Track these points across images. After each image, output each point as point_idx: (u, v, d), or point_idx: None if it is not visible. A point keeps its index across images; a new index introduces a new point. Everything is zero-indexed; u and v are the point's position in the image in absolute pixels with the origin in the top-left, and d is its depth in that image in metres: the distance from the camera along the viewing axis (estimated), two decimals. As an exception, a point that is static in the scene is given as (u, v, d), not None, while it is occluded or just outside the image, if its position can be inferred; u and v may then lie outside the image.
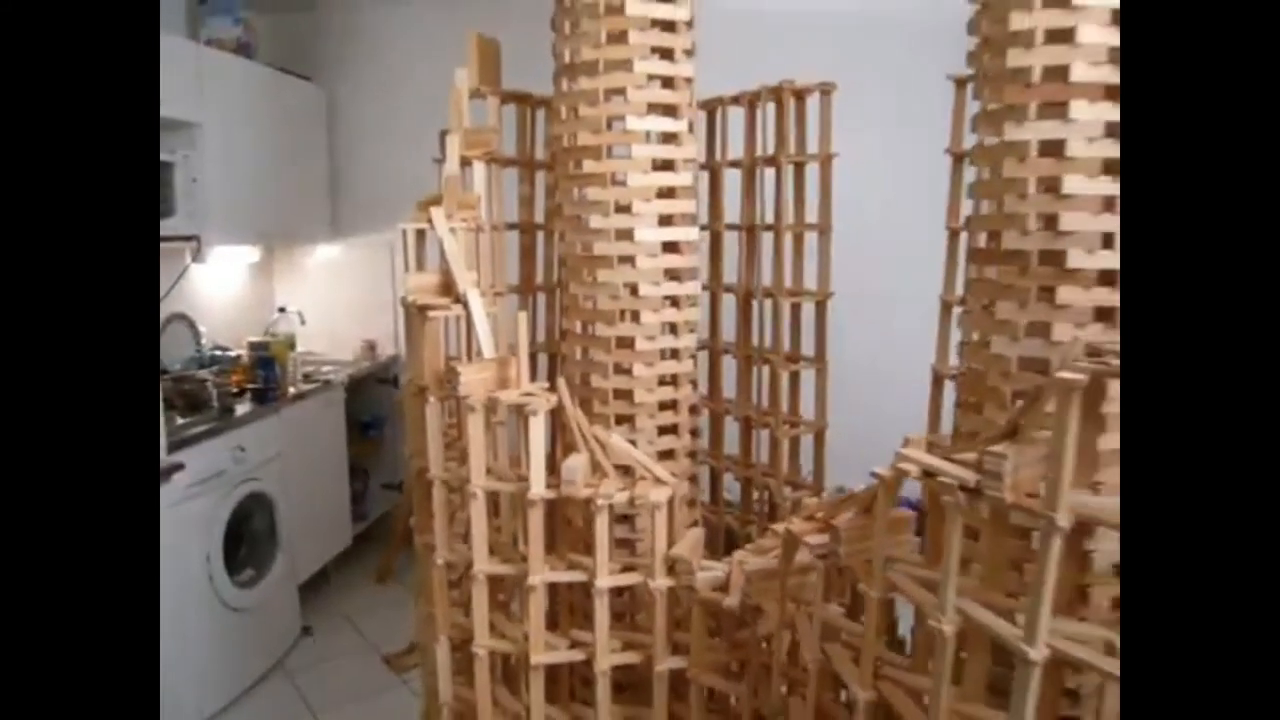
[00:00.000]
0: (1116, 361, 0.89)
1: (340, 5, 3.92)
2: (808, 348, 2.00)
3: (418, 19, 3.97)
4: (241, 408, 3.02)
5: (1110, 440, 1.04)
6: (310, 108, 3.94)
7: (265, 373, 3.19)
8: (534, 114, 2.02)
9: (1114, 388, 0.99)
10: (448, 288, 1.50)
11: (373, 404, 4.14)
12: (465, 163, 1.70)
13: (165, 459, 2.46)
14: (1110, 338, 1.16)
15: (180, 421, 2.73)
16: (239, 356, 3.41)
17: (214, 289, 3.73)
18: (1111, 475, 1.06)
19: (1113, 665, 0.89)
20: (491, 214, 1.79)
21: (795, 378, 2.00)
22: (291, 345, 3.43)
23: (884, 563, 1.06)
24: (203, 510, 2.71)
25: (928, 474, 0.96)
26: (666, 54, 1.63)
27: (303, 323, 3.77)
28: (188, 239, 3.18)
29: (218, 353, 3.41)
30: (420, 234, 1.59)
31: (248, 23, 3.45)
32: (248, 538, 3.03)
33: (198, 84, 3.08)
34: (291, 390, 3.31)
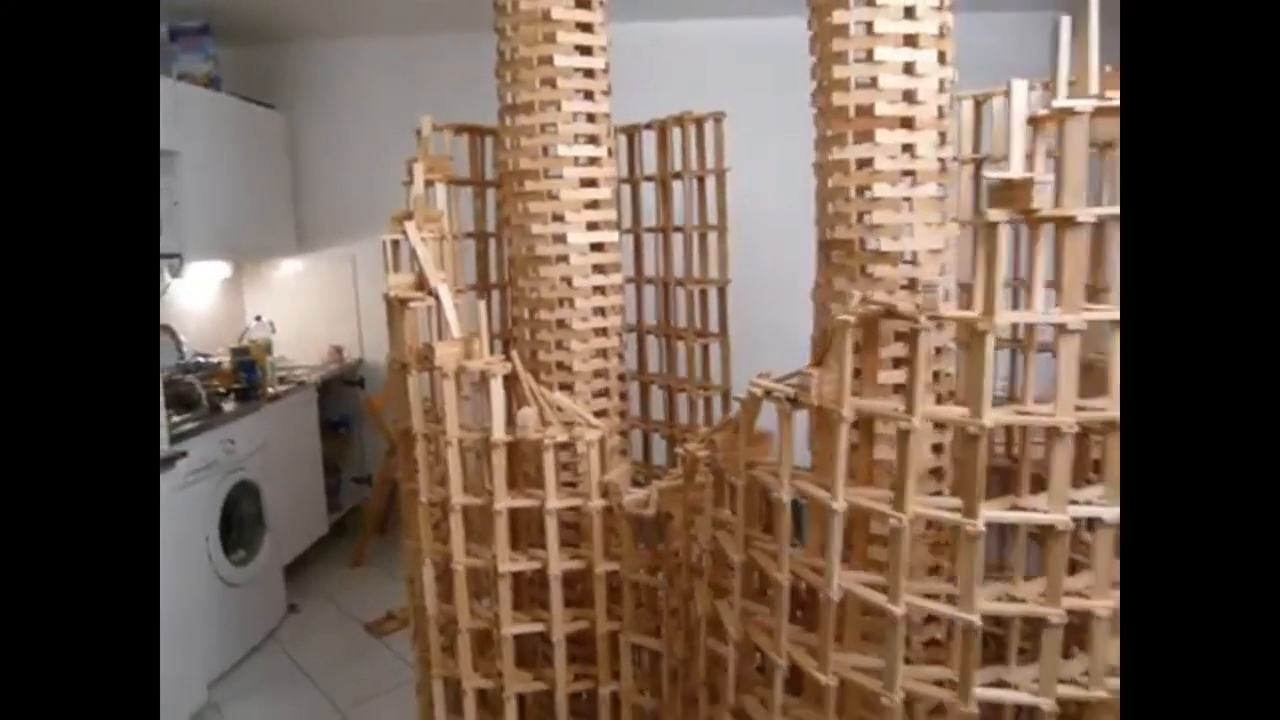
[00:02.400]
0: (882, 309, 1.34)
1: (299, 37, 4.22)
2: (714, 326, 2.44)
3: (367, 51, 4.30)
4: (228, 406, 3.36)
5: (889, 370, 1.50)
6: (274, 133, 4.27)
7: (247, 374, 3.53)
8: (482, 142, 2.43)
9: (886, 328, 1.44)
10: (421, 284, 1.90)
11: (341, 404, 4.46)
12: (428, 184, 2.10)
13: (168, 449, 2.80)
14: (913, 303, 1.61)
15: (175, 419, 3.05)
16: (219, 363, 3.73)
17: (190, 302, 4.04)
18: (888, 391, 1.51)
19: (899, 518, 1.33)
20: (451, 226, 2.19)
21: (705, 350, 2.44)
22: (269, 349, 3.77)
23: (745, 463, 1.50)
24: (200, 496, 3.04)
25: (767, 393, 1.41)
26: (588, 95, 2.05)
27: (274, 331, 4.09)
28: (170, 257, 3.51)
29: (200, 359, 3.72)
30: (396, 243, 1.99)
31: (216, 58, 3.78)
32: (238, 522, 3.36)
33: (174, 115, 3.41)
34: (270, 390, 3.64)
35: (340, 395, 4.42)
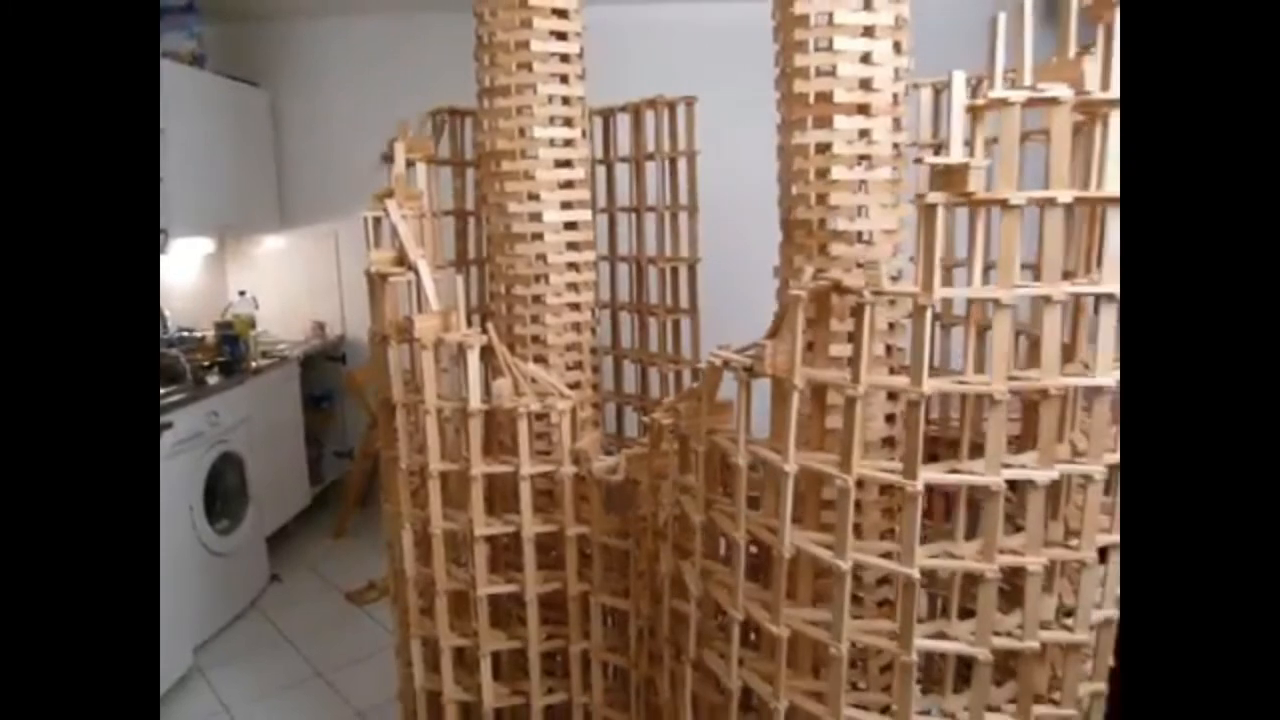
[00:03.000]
0: (831, 284, 1.43)
1: (283, 16, 4.26)
2: (685, 302, 2.53)
3: (350, 30, 4.34)
4: (212, 379, 3.42)
5: (843, 344, 1.59)
6: (257, 111, 4.31)
7: (231, 348, 3.59)
8: (461, 123, 2.50)
9: (841, 305, 1.53)
10: (402, 260, 1.98)
11: (324, 379, 4.53)
12: (409, 164, 2.17)
13: (154, 420, 2.86)
14: (868, 279, 1.70)
15: (161, 391, 3.12)
16: (203, 337, 3.79)
17: (174, 277, 4.08)
18: (842, 364, 1.60)
19: (844, 479, 1.42)
20: (431, 204, 2.27)
21: (676, 326, 2.53)
22: (252, 324, 3.83)
23: (706, 429, 1.59)
24: (185, 466, 3.11)
25: (726, 363, 1.50)
26: (564, 79, 2.12)
27: (257, 306, 4.14)
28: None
29: (184, 334, 3.78)
30: (378, 220, 2.06)
31: (200, 36, 3.82)
32: (222, 493, 3.43)
33: (160, 93, 3.44)
34: (253, 365, 3.71)
35: (323, 370, 4.49)
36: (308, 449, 4.26)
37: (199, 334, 3.81)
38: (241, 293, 4.05)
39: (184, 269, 4.19)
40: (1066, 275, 1.48)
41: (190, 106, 3.66)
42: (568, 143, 2.15)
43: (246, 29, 4.28)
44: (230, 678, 3.09)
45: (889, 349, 1.76)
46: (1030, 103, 1.27)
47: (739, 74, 3.10)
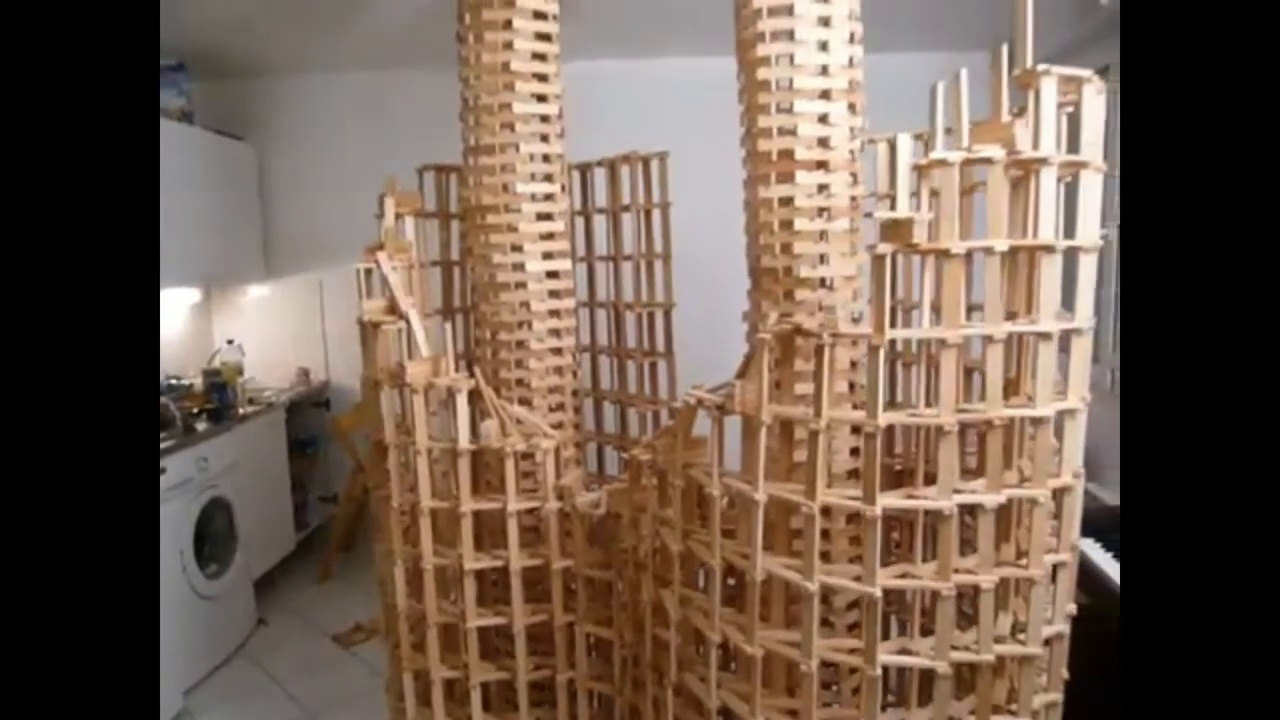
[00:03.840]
0: (793, 327, 1.56)
1: (269, 72, 4.40)
2: (661, 345, 2.66)
3: (336, 86, 4.48)
4: (200, 426, 3.49)
5: (803, 381, 1.71)
6: (243, 164, 4.43)
7: (219, 395, 3.67)
8: (447, 179, 2.64)
9: (805, 347, 1.66)
10: (393, 309, 2.10)
11: (309, 425, 4.60)
12: (398, 217, 2.30)
13: (147, 466, 2.94)
14: (825, 323, 1.84)
15: (152, 437, 3.19)
16: (190, 384, 3.87)
17: (162, 326, 4.16)
18: (805, 400, 1.72)
19: (809, 505, 1.54)
20: (419, 255, 2.39)
21: (653, 368, 2.65)
22: (240, 371, 3.92)
23: (682, 463, 1.71)
24: (176, 512, 3.17)
25: (700, 402, 1.62)
26: (544, 138, 2.27)
27: (243, 354, 4.23)
28: (144, 284, 3.64)
29: (172, 381, 3.86)
30: (369, 271, 2.18)
31: (189, 93, 3.95)
32: (210, 537, 3.49)
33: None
34: (241, 411, 3.79)
35: (307, 416, 4.57)
36: (293, 494, 4.32)
37: (186, 381, 3.89)
38: (230, 341, 4.14)
39: (171, 318, 4.27)
40: (1011, 316, 1.62)
41: (179, 160, 3.77)
42: (548, 197, 2.29)
43: (233, 85, 4.42)
44: (219, 720, 3.13)
45: (852, 386, 1.89)
46: (967, 162, 1.41)
47: (710, 126, 3.26)
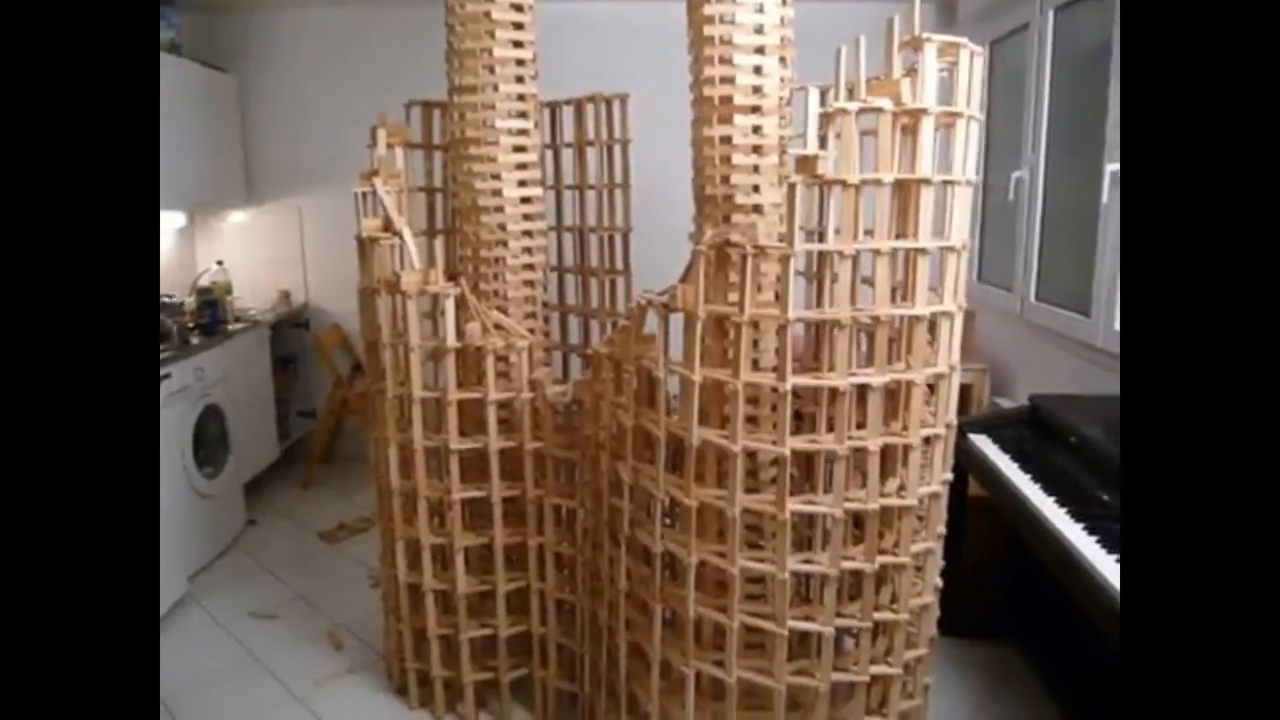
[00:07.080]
0: (723, 240, 1.93)
1: (252, 7, 4.59)
2: (620, 265, 3.02)
3: (317, 20, 4.68)
4: (195, 339, 3.78)
5: (735, 291, 2.09)
6: (227, 95, 4.62)
7: (211, 311, 3.95)
8: (432, 113, 2.95)
9: (736, 256, 2.03)
10: (388, 227, 2.43)
11: (290, 344, 4.88)
12: (390, 147, 2.61)
13: (153, 372, 3.23)
14: (749, 237, 2.21)
15: (154, 347, 3.48)
16: (181, 303, 4.13)
17: (155, 248, 4.39)
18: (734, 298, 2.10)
19: (734, 383, 1.92)
20: (408, 181, 2.72)
21: (613, 284, 3.02)
22: (229, 290, 4.20)
23: (635, 355, 2.09)
24: (177, 416, 3.49)
25: (649, 302, 1.99)
26: (520, 79, 2.59)
27: (228, 276, 4.49)
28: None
29: (164, 299, 4.12)
30: (364, 195, 2.51)
31: (178, 27, 4.15)
32: (206, 441, 3.81)
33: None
34: (230, 327, 4.09)
35: (289, 335, 4.86)
36: (276, 408, 4.63)
37: (178, 300, 4.16)
38: (219, 262, 4.40)
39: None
40: (900, 236, 2.00)
41: (168, 91, 3.97)
42: (523, 132, 2.62)
43: (219, 19, 4.62)
44: (220, 602, 3.49)
45: (777, 296, 2.27)
46: (862, 111, 1.78)
47: (665, 71, 3.59)
